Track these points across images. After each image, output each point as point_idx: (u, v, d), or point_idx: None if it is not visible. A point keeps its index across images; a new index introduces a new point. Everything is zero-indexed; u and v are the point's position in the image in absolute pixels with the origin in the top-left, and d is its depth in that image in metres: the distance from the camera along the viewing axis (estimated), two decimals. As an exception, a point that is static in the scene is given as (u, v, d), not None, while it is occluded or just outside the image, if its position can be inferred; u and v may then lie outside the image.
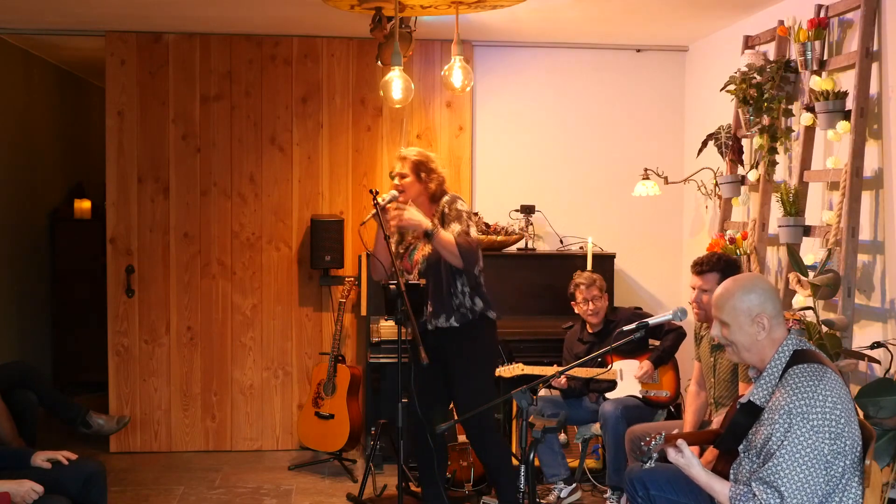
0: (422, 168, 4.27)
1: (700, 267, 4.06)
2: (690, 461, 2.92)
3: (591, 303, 5.00)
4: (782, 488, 2.68)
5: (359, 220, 5.94)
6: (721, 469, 3.00)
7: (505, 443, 4.60)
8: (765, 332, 2.90)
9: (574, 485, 4.91)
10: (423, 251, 4.27)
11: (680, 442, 2.93)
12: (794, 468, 2.68)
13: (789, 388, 2.77)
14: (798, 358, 2.86)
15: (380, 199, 4.19)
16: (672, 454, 2.95)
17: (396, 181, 4.29)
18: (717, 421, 3.84)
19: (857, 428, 2.80)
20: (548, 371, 4.82)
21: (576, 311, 5.09)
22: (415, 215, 4.16)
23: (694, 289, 4.07)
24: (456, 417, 4.47)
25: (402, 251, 4.36)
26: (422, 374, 4.23)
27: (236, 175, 5.92)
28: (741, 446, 2.93)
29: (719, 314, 2.98)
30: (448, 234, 4.13)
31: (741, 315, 2.92)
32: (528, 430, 3.09)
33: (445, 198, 4.28)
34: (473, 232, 4.21)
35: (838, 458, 2.72)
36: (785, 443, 2.70)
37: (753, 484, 2.75)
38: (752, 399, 2.93)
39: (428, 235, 4.14)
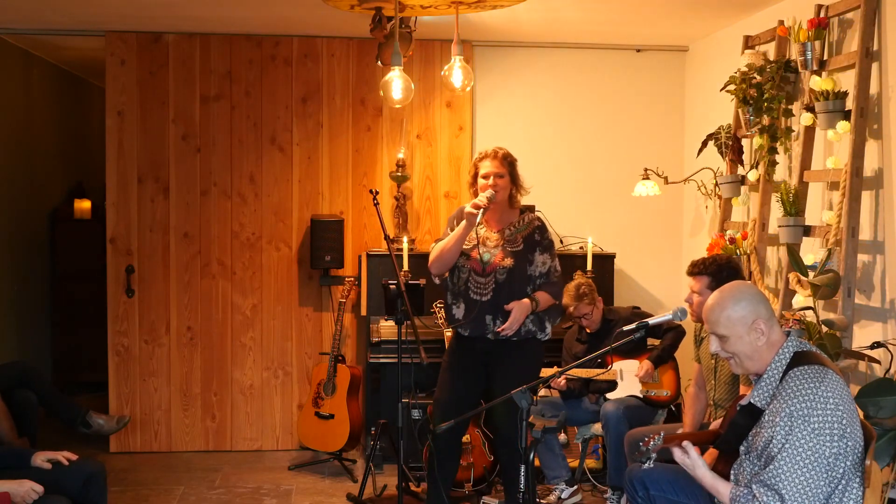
0: (515, 167, 4.23)
1: (692, 269, 4.04)
2: (696, 462, 2.91)
3: (582, 319, 4.99)
4: (783, 491, 2.67)
5: (359, 219, 5.96)
6: (721, 470, 2.99)
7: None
8: (764, 337, 2.88)
9: (575, 486, 4.89)
10: (501, 260, 4.18)
11: (686, 443, 2.93)
12: (795, 471, 2.67)
13: (790, 390, 2.76)
14: (799, 360, 2.85)
15: (479, 201, 4.06)
16: (678, 455, 2.94)
17: (491, 181, 4.15)
18: (716, 424, 3.84)
19: (860, 429, 2.79)
20: (547, 371, 4.81)
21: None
22: (519, 316, 4.09)
23: (689, 288, 4.08)
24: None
25: (467, 247, 4.23)
26: (458, 378, 4.20)
27: (236, 175, 5.92)
28: (742, 448, 2.93)
29: (715, 328, 2.95)
30: (544, 297, 4.17)
31: (737, 325, 2.90)
32: (528, 430, 3.09)
33: (535, 220, 4.26)
34: (559, 265, 4.28)
35: (839, 460, 2.71)
36: (786, 445, 2.69)
37: (754, 486, 2.75)
38: (752, 401, 2.92)
39: (533, 311, 4.15)
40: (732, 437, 2.96)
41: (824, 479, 2.68)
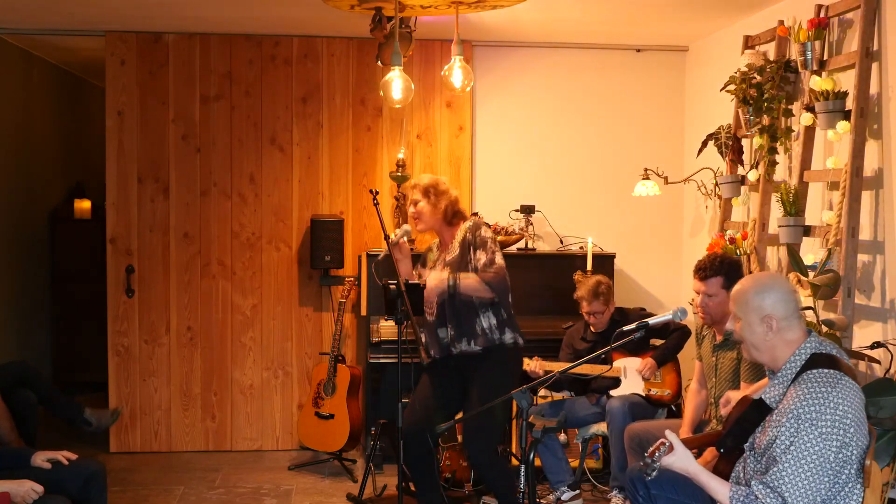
0: (431, 191, 4.29)
1: (704, 272, 4.03)
2: (682, 457, 2.81)
3: (593, 316, 4.97)
4: (786, 494, 2.65)
5: (359, 219, 5.97)
6: (722, 469, 2.98)
7: (504, 461, 4.47)
8: (772, 334, 2.87)
9: (578, 490, 4.87)
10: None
11: (671, 439, 2.85)
12: (798, 474, 2.65)
13: (801, 392, 2.74)
14: (815, 362, 2.82)
15: (393, 235, 4.22)
16: (666, 460, 2.86)
17: (412, 209, 4.30)
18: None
19: (866, 437, 2.77)
20: (552, 367, 4.77)
21: (580, 311, 5.05)
22: (433, 281, 4.13)
23: (698, 293, 4.06)
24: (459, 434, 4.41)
25: (417, 276, 4.34)
26: (436, 381, 4.22)
27: (236, 175, 5.92)
28: (746, 444, 2.91)
29: (734, 308, 2.97)
30: (469, 277, 4.12)
31: (751, 313, 2.90)
32: (528, 430, 3.09)
33: (467, 223, 4.29)
34: (499, 259, 4.18)
35: (843, 467, 2.70)
36: (791, 448, 2.68)
37: (756, 486, 2.72)
38: (763, 398, 2.90)
39: (451, 288, 4.12)
40: (740, 432, 2.93)
41: (826, 484, 2.67)
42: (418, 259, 4.47)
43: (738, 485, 2.85)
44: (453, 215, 4.31)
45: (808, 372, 2.79)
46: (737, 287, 3.01)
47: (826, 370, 2.78)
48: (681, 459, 2.83)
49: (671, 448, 2.85)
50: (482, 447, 4.18)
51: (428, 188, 4.30)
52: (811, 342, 2.88)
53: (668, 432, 2.88)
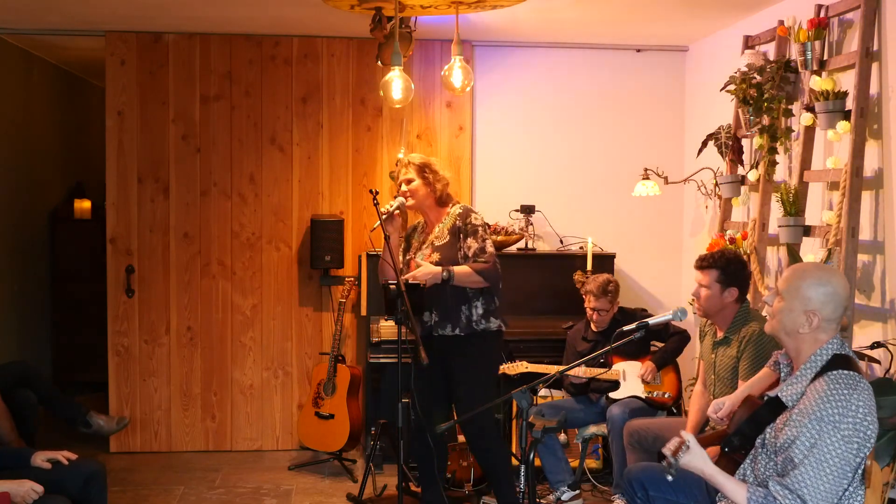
0: (427, 170, 4.33)
1: (701, 262, 4.08)
2: (698, 457, 2.77)
3: (597, 313, 4.97)
4: (806, 496, 2.62)
5: (359, 220, 5.97)
6: (723, 468, 2.96)
7: (504, 445, 4.59)
8: (808, 328, 2.82)
9: (578, 491, 4.87)
10: (430, 258, 4.29)
11: (688, 438, 2.81)
12: (820, 477, 2.63)
13: (823, 392, 2.70)
14: (836, 363, 2.78)
15: (387, 206, 4.25)
16: (683, 459, 2.85)
17: (404, 187, 4.33)
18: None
19: (874, 441, 2.76)
20: (550, 370, 4.80)
21: (585, 305, 5.06)
22: (427, 269, 4.17)
23: (696, 283, 4.09)
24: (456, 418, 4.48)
25: (409, 258, 4.38)
26: (424, 374, 4.24)
27: (236, 175, 5.92)
28: (758, 440, 2.89)
29: (783, 286, 2.90)
30: (463, 269, 4.16)
31: (797, 300, 2.83)
32: (528, 430, 3.08)
33: (457, 209, 4.33)
34: (490, 246, 4.26)
35: (859, 469, 2.70)
36: (814, 450, 2.65)
37: (774, 487, 2.69)
38: (780, 395, 2.86)
39: (446, 281, 4.15)
40: (749, 432, 2.91)
41: (844, 486, 2.66)
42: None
43: (748, 477, 2.83)
44: (447, 199, 4.37)
45: (830, 373, 2.75)
46: (794, 267, 2.95)
47: (847, 372, 2.75)
48: (696, 459, 2.78)
49: (688, 448, 2.79)
50: (477, 428, 4.25)
51: (423, 167, 4.33)
52: (834, 343, 2.84)
53: (683, 432, 2.85)
